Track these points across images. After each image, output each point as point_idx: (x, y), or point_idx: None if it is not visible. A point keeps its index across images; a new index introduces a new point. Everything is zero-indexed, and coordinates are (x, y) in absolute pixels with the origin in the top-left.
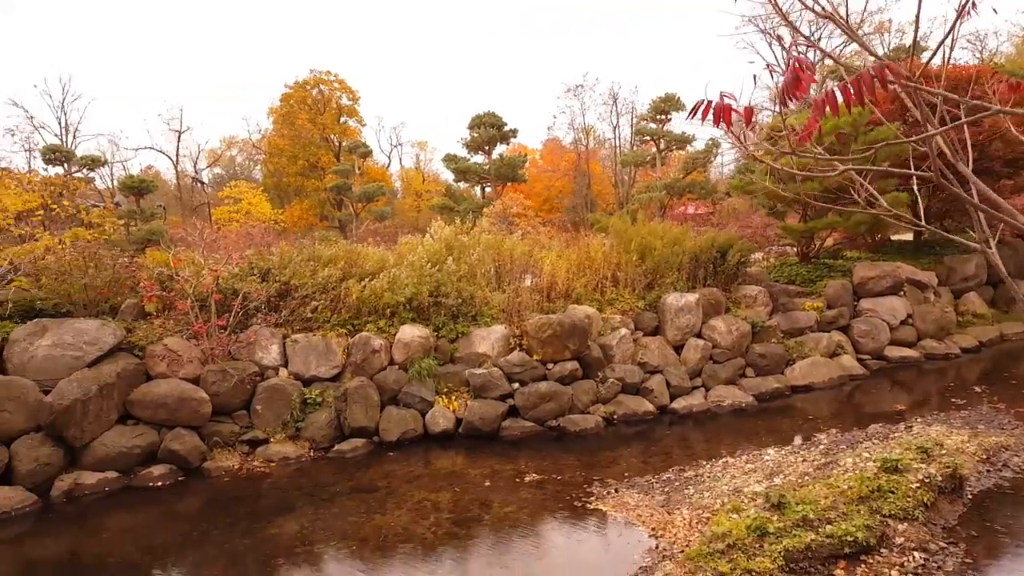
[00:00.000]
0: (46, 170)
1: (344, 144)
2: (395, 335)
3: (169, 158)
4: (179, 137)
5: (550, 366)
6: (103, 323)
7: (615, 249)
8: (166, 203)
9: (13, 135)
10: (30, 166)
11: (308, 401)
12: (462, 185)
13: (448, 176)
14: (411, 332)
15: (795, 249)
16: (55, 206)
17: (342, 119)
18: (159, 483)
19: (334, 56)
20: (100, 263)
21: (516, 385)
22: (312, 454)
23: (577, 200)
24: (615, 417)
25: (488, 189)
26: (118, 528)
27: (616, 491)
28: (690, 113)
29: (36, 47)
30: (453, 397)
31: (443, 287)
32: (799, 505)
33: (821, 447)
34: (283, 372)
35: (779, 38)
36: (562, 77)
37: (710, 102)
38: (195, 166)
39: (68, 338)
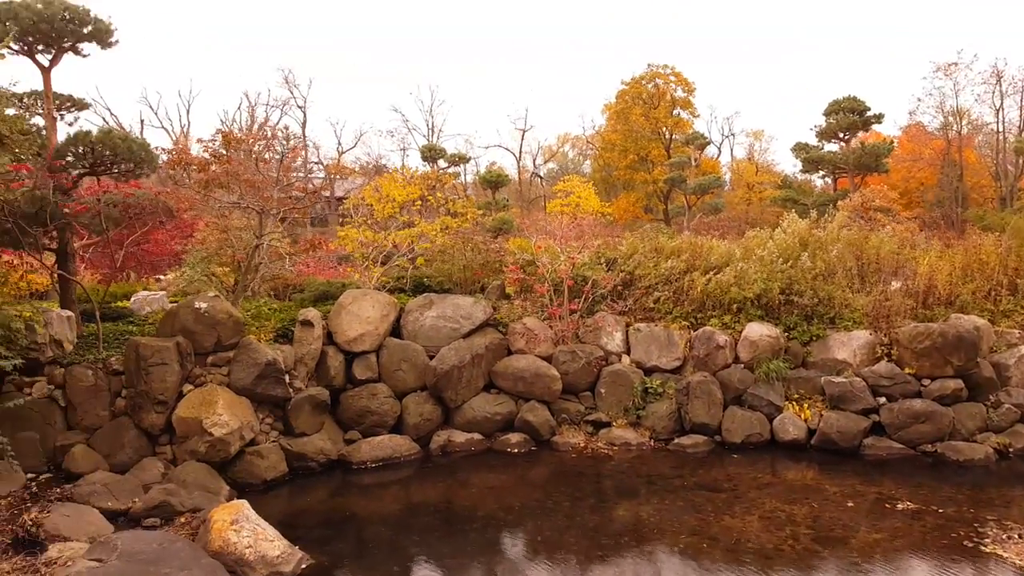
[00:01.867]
0: (426, 165)
1: (678, 136)
2: (741, 332)
3: (513, 155)
4: (523, 135)
5: (925, 382)
6: (475, 300)
7: (1014, 252)
8: (507, 196)
9: (392, 136)
10: (403, 163)
11: (649, 390)
12: (801, 176)
13: (785, 167)
14: (759, 330)
15: None
16: (430, 197)
17: (675, 111)
18: (515, 449)
19: (669, 47)
20: (476, 247)
21: (882, 400)
22: (652, 443)
23: (944, 193)
24: (1011, 450)
25: (836, 180)
26: (482, 485)
27: (1020, 536)
28: None
29: (410, 60)
30: (805, 405)
31: (796, 285)
32: None
33: None
34: (625, 359)
35: None
36: (929, 55)
37: None
38: (534, 162)
39: (449, 311)
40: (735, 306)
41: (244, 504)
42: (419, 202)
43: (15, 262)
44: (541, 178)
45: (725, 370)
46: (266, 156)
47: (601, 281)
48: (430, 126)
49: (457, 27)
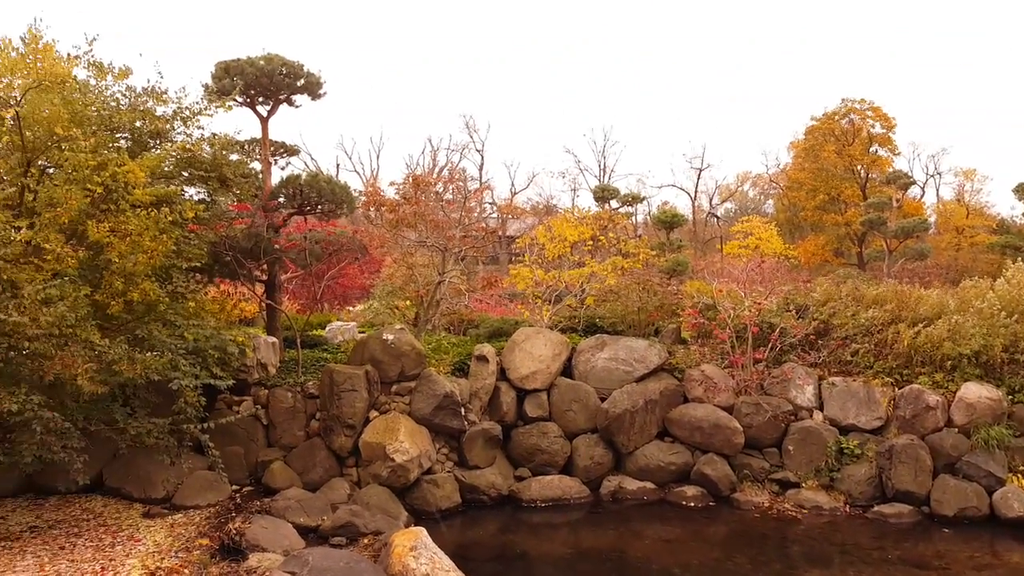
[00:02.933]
0: (597, 206)
1: (876, 175)
2: (955, 392)
3: (688, 194)
4: (699, 174)
5: None
6: (650, 343)
7: None
8: (681, 236)
9: (563, 177)
10: (574, 203)
11: (845, 451)
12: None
13: (1002, 209)
14: (977, 391)
15: None
16: (601, 237)
17: (872, 149)
18: (691, 503)
19: (862, 79)
20: (652, 289)
21: None
22: (848, 509)
23: None
24: None
25: None
26: (656, 537)
27: None
28: None
29: (584, 103)
30: None
31: (1022, 342)
32: None
33: None
34: (817, 415)
35: None
36: None
37: None
38: (710, 201)
39: (621, 354)
40: (949, 363)
41: (422, 531)
42: (590, 242)
43: (231, 291)
44: (718, 218)
45: (935, 434)
46: (448, 197)
47: (790, 329)
48: (602, 166)
49: (633, 66)
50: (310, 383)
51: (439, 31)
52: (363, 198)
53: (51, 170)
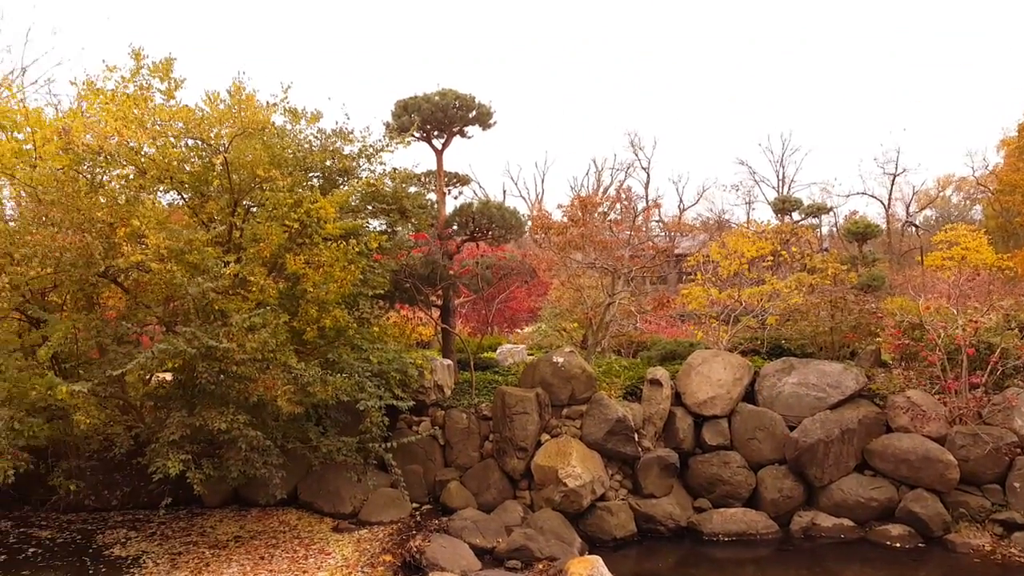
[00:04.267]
0: (779, 219)
1: None
2: None
3: (881, 202)
4: (892, 180)
5: None
6: (846, 367)
7: None
8: (873, 248)
9: (736, 190)
10: (748, 217)
11: None
12: None
13: None
14: None
15: None
16: (783, 252)
17: None
18: (896, 544)
19: None
20: (845, 307)
21: None
22: None
23: None
24: None
25: None
26: None
27: None
28: None
29: (758, 110)
30: None
31: None
32: None
33: None
34: None
35: None
36: None
37: None
38: (907, 209)
39: (812, 378)
40: None
41: (598, 560)
42: (770, 258)
43: (409, 316)
44: (916, 228)
45: None
46: (613, 217)
47: (1013, 350)
48: (780, 176)
49: (808, 66)
50: (483, 405)
51: (599, 52)
52: (530, 222)
53: (254, 209)
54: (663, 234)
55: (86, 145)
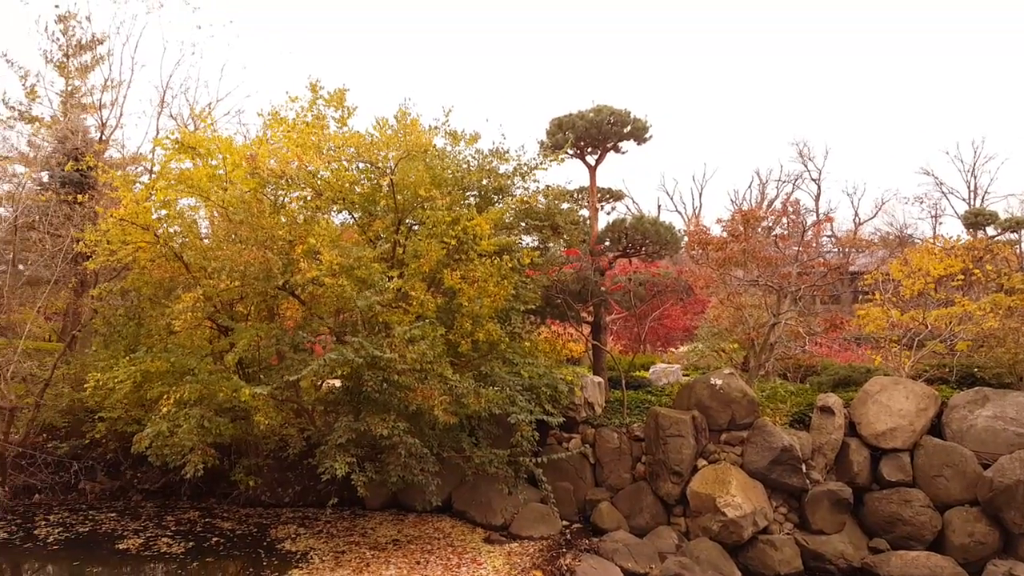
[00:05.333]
0: (971, 235)
1: None
2: None
3: None
4: None
5: None
6: None
7: None
8: None
9: (920, 202)
10: (935, 232)
11: None
12: None
13: None
14: None
15: None
16: (976, 271)
17: None
18: None
19: None
20: None
21: None
22: None
23: None
24: None
25: None
26: None
27: None
28: None
29: (948, 116)
30: None
31: None
32: None
33: None
34: None
35: None
36: None
37: None
38: None
39: (1010, 411)
40: None
41: None
42: (961, 277)
43: (559, 332)
44: None
45: None
46: (779, 232)
47: None
48: (972, 188)
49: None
50: (635, 425)
51: (764, 60)
52: (686, 238)
53: (415, 227)
54: (835, 250)
55: (270, 169)
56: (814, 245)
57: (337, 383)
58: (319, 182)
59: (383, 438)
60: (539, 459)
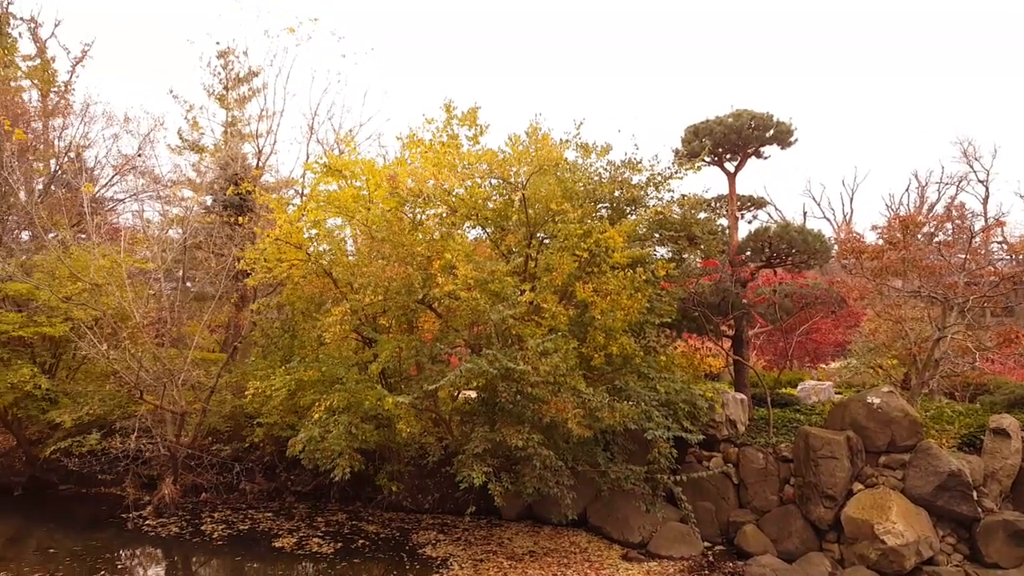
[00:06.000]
0: None
1: None
2: None
3: None
4: None
5: None
6: None
7: None
8: None
9: None
10: None
11: None
12: None
13: None
14: None
15: None
16: None
17: None
18: None
19: None
20: None
21: None
22: None
23: None
24: None
25: None
26: None
27: None
28: None
29: None
30: None
31: None
32: None
33: None
34: None
35: None
36: None
37: None
38: None
39: None
40: None
41: None
42: None
43: (697, 346)
44: None
45: None
46: (943, 239)
47: None
48: None
49: None
50: (782, 445)
51: (920, 54)
52: (837, 246)
53: (546, 240)
54: (1008, 258)
55: (408, 189)
56: (983, 252)
57: (472, 394)
58: (454, 199)
59: (518, 449)
60: (678, 477)
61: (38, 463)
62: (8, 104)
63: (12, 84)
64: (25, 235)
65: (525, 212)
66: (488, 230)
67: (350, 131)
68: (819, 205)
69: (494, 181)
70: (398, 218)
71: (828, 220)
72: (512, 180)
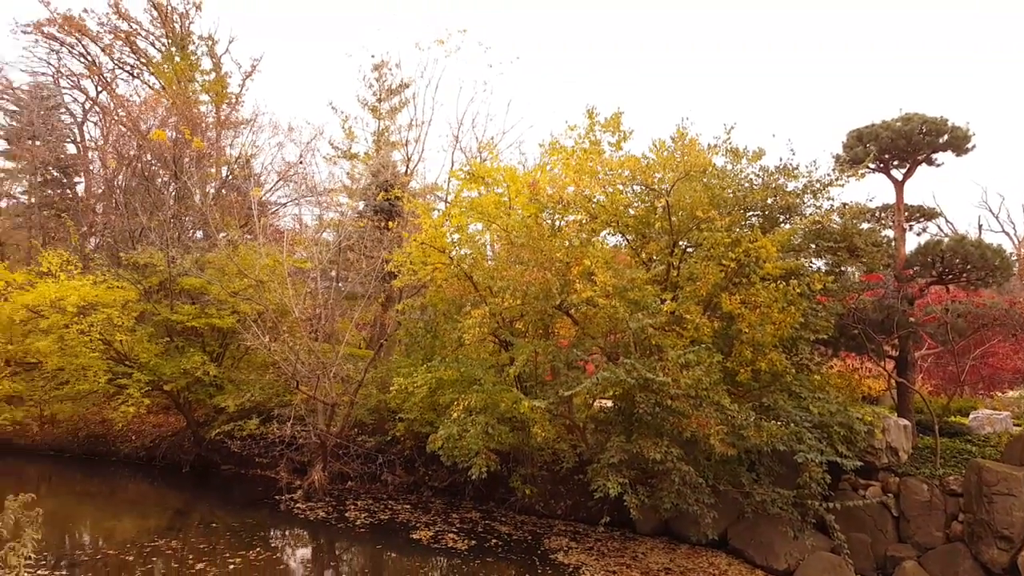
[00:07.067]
0: None
1: None
2: None
3: None
4: None
5: None
6: None
7: None
8: None
9: None
10: None
11: None
12: None
13: None
14: None
15: None
16: None
17: None
18: None
19: None
20: None
21: None
22: None
23: None
24: None
25: None
26: None
27: None
28: None
29: None
30: None
31: None
32: None
33: None
34: None
35: None
36: None
37: None
38: None
39: None
40: None
41: None
42: None
43: (856, 366)
44: None
45: None
46: None
47: None
48: None
49: None
50: (950, 477)
51: None
52: (1018, 263)
53: (690, 249)
54: None
55: (548, 195)
56: None
57: (608, 403)
58: (594, 206)
59: (655, 462)
60: (830, 504)
61: (204, 444)
62: (188, 115)
63: (191, 97)
64: (199, 234)
65: (669, 219)
66: (628, 237)
67: (492, 139)
68: (997, 218)
69: (636, 188)
70: (537, 224)
71: (1007, 234)
72: (655, 187)
